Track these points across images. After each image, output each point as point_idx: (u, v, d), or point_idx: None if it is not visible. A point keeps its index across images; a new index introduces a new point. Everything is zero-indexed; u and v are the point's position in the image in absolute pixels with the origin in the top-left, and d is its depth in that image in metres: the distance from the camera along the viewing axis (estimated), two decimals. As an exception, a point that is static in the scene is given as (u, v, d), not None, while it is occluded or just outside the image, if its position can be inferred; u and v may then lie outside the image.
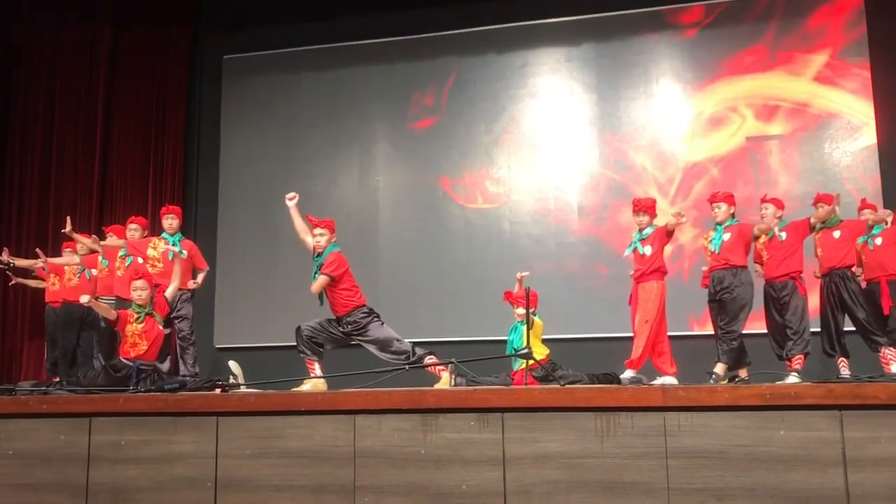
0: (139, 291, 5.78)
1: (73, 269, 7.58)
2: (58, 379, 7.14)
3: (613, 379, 5.57)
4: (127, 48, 10.06)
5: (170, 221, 7.15)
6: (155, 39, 9.98)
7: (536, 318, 6.07)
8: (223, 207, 9.55)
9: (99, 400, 4.11)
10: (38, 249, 7.60)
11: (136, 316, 5.71)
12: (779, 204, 6.22)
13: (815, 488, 3.20)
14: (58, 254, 7.95)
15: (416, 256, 8.98)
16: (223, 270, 9.26)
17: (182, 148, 9.82)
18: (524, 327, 5.53)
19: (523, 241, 8.75)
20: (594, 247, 8.60)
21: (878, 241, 6.07)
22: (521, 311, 5.80)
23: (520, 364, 5.56)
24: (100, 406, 4.03)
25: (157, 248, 6.97)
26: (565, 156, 8.86)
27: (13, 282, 8.02)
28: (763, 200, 6.29)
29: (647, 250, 6.04)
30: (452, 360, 4.67)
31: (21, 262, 7.87)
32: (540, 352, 5.84)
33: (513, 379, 5.69)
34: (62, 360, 7.47)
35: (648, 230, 6.12)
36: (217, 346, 9.14)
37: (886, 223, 6.13)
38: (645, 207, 6.20)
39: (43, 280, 7.88)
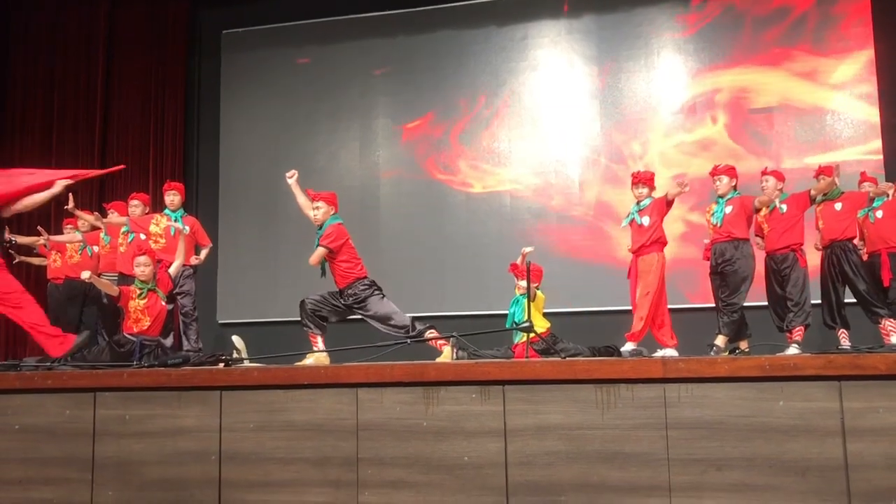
0: (142, 267, 5.80)
1: (75, 246, 7.60)
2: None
3: (614, 352, 5.60)
4: (125, 25, 10.01)
5: (171, 198, 7.15)
6: (153, 16, 9.93)
7: (539, 292, 6.09)
8: (224, 183, 9.55)
9: (103, 375, 4.13)
10: (39, 227, 7.61)
11: (138, 292, 5.73)
12: (779, 176, 6.20)
13: (813, 458, 3.22)
14: (60, 231, 7.96)
15: (417, 230, 8.99)
16: (225, 246, 9.28)
17: (182, 124, 9.81)
18: (525, 300, 5.55)
19: (524, 215, 8.75)
20: (595, 220, 8.61)
21: (879, 213, 6.07)
22: (524, 283, 5.82)
23: (520, 337, 5.59)
24: (104, 381, 4.06)
25: (160, 224, 6.98)
26: (566, 129, 8.84)
27: (16, 260, 8.04)
28: (763, 173, 6.27)
29: (646, 221, 6.04)
30: (454, 333, 4.69)
31: (23, 240, 7.88)
32: (541, 325, 5.87)
33: (514, 352, 5.72)
34: (65, 336, 7.51)
35: (646, 201, 6.12)
36: (220, 321, 9.20)
37: (888, 196, 6.12)
38: (644, 179, 6.19)
39: (45, 257, 7.90)
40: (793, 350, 5.63)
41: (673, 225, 7.52)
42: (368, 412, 3.70)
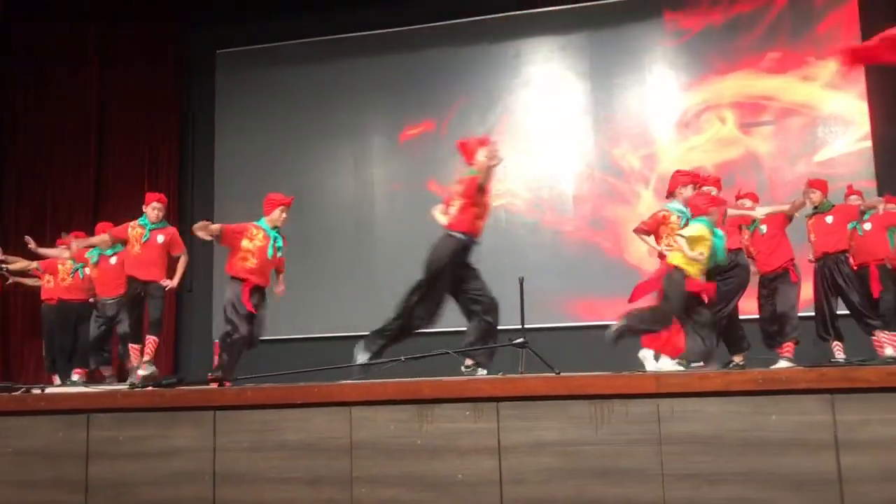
0: (156, 212, 6.57)
1: (67, 269, 7.58)
2: (56, 376, 7.20)
3: None
4: (119, 44, 10.06)
5: (158, 212, 6.88)
6: (147, 35, 9.98)
7: (700, 224, 5.19)
8: (219, 202, 9.56)
9: (96, 396, 4.13)
10: (26, 237, 7.63)
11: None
12: (822, 187, 6.27)
13: (807, 472, 3.22)
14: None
15: (412, 246, 8.93)
16: (220, 265, 9.24)
17: (177, 143, 9.84)
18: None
19: (519, 230, 8.77)
20: (589, 234, 8.63)
21: (868, 226, 6.12)
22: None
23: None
24: (97, 402, 4.04)
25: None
26: (559, 145, 8.89)
27: (10, 281, 8.04)
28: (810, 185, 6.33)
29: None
30: (448, 350, 4.68)
31: (15, 266, 7.90)
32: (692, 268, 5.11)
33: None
34: (60, 357, 7.50)
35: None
36: (217, 339, 9.15)
37: (877, 209, 6.16)
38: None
39: (39, 279, 7.90)
40: (783, 364, 5.64)
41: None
42: (362, 431, 3.69)
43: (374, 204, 9.17)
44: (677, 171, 5.88)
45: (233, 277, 5.82)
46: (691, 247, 5.00)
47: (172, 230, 7.01)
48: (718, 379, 3.41)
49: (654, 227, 5.67)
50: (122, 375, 7.52)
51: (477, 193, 5.06)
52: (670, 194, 5.80)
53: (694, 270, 5.01)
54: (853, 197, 6.39)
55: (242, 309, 5.69)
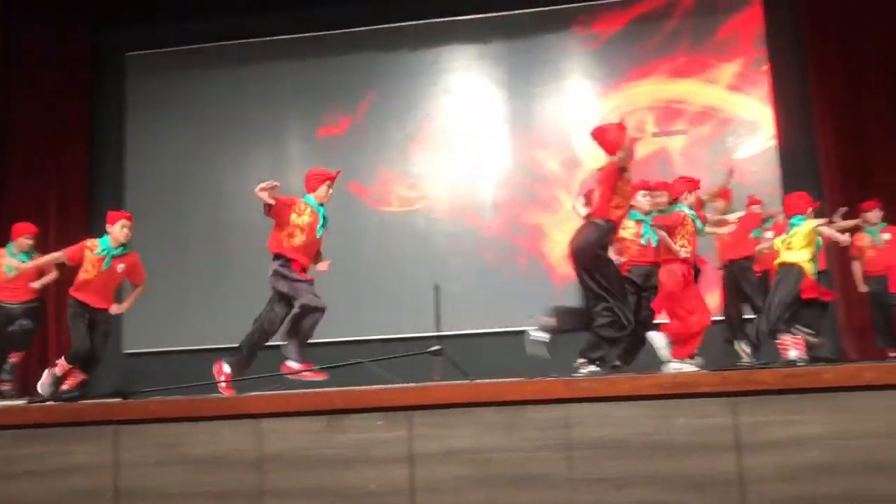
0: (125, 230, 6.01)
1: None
2: None
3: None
4: (26, 45, 9.63)
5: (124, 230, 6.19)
6: (55, 35, 9.58)
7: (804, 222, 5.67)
8: (131, 208, 9.25)
9: (-9, 413, 3.94)
10: None
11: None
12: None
13: (709, 473, 3.30)
14: None
15: (329, 251, 8.83)
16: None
17: (87, 148, 9.50)
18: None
19: (438, 237, 8.78)
20: (510, 241, 8.70)
21: (770, 234, 6.35)
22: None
23: None
24: (-9, 419, 3.86)
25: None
26: (480, 152, 8.94)
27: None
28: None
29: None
30: (360, 360, 4.64)
31: None
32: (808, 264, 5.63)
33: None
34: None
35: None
36: (126, 351, 8.88)
37: (778, 218, 6.41)
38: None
39: None
40: (676, 366, 5.63)
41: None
42: (272, 443, 3.62)
43: (292, 210, 9.03)
44: (682, 178, 5.95)
45: (277, 255, 5.30)
46: (806, 243, 5.48)
47: (134, 257, 6.32)
48: (626, 384, 3.47)
49: (674, 226, 5.65)
50: (25, 390, 7.20)
51: (618, 178, 4.84)
52: (674, 200, 5.82)
53: (810, 269, 5.49)
54: (755, 206, 6.63)
55: (294, 290, 5.18)
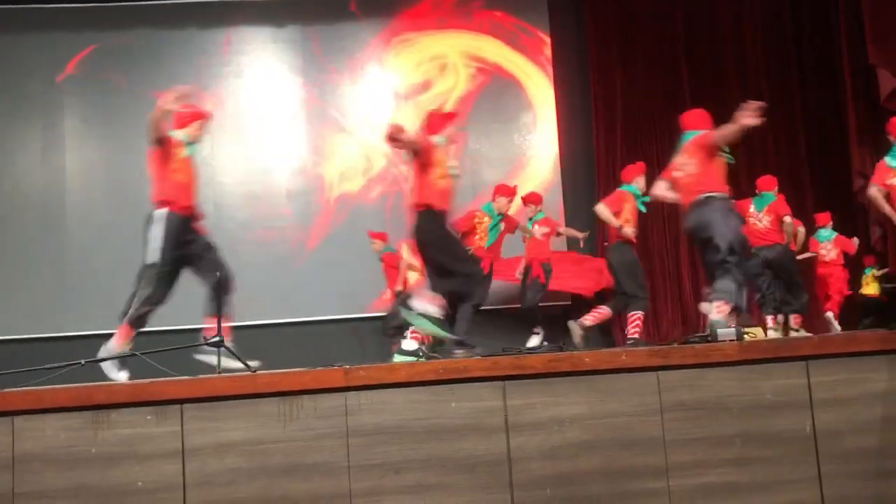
0: None
1: None
2: None
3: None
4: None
5: None
6: None
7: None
8: None
9: None
10: None
11: None
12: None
13: (481, 454, 3.44)
14: None
15: (109, 242, 8.32)
16: None
17: None
18: None
19: (228, 224, 8.48)
20: (303, 231, 8.59)
21: (537, 228, 7.26)
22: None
23: None
24: None
25: None
26: (273, 138, 8.74)
27: None
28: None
29: None
30: (135, 352, 4.37)
31: None
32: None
33: None
34: None
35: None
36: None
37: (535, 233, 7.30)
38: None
39: None
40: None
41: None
42: (27, 442, 3.35)
43: (66, 194, 8.38)
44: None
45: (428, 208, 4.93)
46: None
47: None
48: (404, 370, 3.55)
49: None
50: None
51: (711, 151, 4.79)
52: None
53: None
54: (501, 198, 7.08)
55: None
